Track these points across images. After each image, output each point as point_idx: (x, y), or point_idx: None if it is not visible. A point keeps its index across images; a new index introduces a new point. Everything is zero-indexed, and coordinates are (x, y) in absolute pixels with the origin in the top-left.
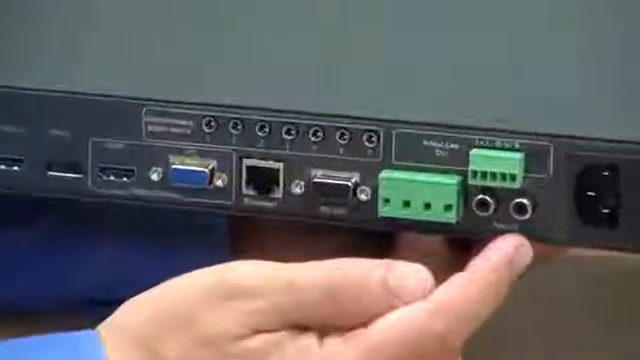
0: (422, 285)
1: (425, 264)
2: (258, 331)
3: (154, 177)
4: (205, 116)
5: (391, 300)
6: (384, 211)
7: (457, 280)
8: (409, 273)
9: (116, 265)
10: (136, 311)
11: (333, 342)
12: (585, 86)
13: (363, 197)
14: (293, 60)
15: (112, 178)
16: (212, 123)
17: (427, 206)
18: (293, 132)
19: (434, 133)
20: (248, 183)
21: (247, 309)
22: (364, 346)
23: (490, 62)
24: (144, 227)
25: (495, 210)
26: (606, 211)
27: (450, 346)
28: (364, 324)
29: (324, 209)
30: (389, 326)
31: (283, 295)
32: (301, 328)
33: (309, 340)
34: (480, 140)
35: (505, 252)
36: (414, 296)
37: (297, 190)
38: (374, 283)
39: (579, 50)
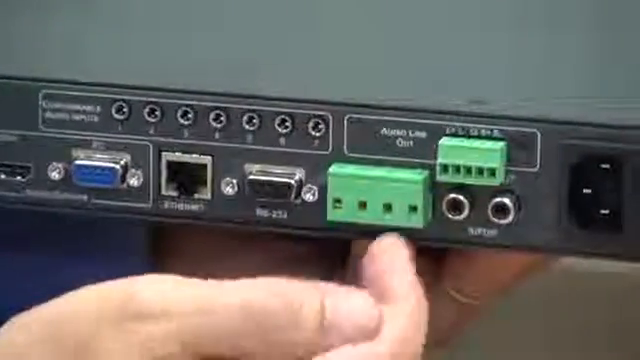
0: (365, 324)
1: None
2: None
3: (54, 175)
4: (115, 100)
5: (326, 338)
6: (334, 214)
7: (402, 314)
8: (352, 304)
9: (8, 278)
10: (26, 336)
11: None
12: (580, 60)
13: (309, 198)
14: (222, 36)
15: (3, 177)
16: (124, 109)
17: (387, 208)
18: (223, 119)
19: (395, 119)
20: (169, 182)
21: (148, 333)
22: None
23: (462, 34)
24: (42, 231)
25: (470, 212)
26: (606, 212)
27: None
28: None
29: (261, 212)
30: None
31: (193, 317)
32: None
33: None
34: (451, 127)
35: (401, 257)
36: (354, 336)
37: (228, 190)
38: (306, 314)
39: (571, 16)
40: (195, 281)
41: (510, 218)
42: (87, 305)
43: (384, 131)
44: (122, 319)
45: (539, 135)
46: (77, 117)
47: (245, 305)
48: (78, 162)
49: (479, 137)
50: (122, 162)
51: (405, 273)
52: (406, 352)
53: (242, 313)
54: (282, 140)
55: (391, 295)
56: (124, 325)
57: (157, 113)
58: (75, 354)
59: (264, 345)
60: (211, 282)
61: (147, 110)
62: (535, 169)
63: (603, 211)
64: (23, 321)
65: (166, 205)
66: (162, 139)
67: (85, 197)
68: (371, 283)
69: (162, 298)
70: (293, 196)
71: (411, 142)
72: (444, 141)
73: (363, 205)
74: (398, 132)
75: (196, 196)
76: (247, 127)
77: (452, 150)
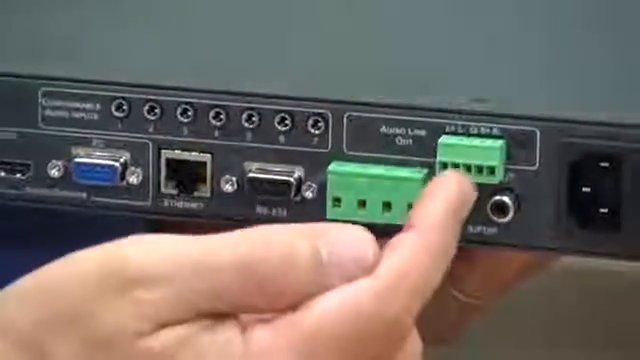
0: (363, 256)
1: None
2: (163, 325)
3: (54, 173)
4: (115, 98)
5: (325, 278)
6: (334, 212)
7: (404, 246)
8: (346, 241)
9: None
10: (17, 307)
11: (260, 335)
12: (580, 59)
13: (308, 195)
14: (222, 34)
15: (3, 174)
16: (123, 107)
17: (387, 206)
18: (222, 117)
19: (394, 117)
20: (168, 180)
21: (147, 299)
22: (299, 336)
23: (462, 32)
24: (36, 224)
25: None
26: (605, 211)
27: (404, 325)
28: (294, 308)
29: (261, 210)
30: (330, 311)
31: (191, 279)
32: (217, 317)
33: (228, 333)
34: (450, 125)
35: (448, 198)
36: (353, 271)
37: (228, 187)
38: (302, 256)
39: (571, 16)
40: (187, 238)
41: (509, 216)
42: (84, 270)
43: (383, 129)
44: (123, 286)
45: (538, 133)
46: (77, 115)
47: (238, 261)
48: (78, 160)
49: (478, 135)
50: (122, 160)
51: (429, 202)
52: (409, 286)
53: (238, 270)
54: (281, 138)
55: (410, 225)
56: (126, 293)
57: (157, 111)
58: (73, 319)
59: (264, 297)
60: (204, 239)
61: (147, 108)
62: (534, 167)
63: (602, 210)
64: (17, 288)
65: (165, 203)
66: (162, 137)
67: (85, 195)
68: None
69: (160, 262)
70: (292, 194)
71: (410, 140)
72: (443, 139)
73: (362, 203)
74: (397, 130)
75: (195, 194)
76: (246, 125)
77: (451, 148)
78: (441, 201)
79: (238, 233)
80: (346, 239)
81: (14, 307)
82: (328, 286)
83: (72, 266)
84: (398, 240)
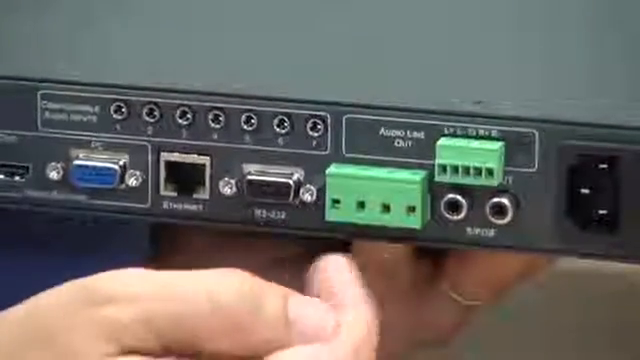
0: (326, 324)
1: (387, 279)
2: (129, 350)
3: (53, 176)
4: (114, 100)
5: (286, 336)
6: (333, 215)
7: (359, 319)
8: (313, 306)
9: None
10: (4, 327)
11: None
12: (578, 61)
13: (307, 198)
14: (221, 36)
15: (2, 177)
16: (122, 109)
17: (385, 208)
18: (221, 119)
19: (393, 119)
20: (167, 182)
21: (114, 318)
22: None
23: (461, 34)
24: (37, 227)
25: (468, 213)
26: (604, 213)
27: None
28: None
29: (260, 213)
30: None
31: (158, 302)
32: (180, 357)
33: None
34: (449, 127)
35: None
36: (313, 337)
37: (227, 190)
38: (269, 311)
39: (570, 16)
40: (160, 272)
41: (508, 218)
42: (53, 299)
43: (382, 131)
44: (85, 306)
45: (537, 135)
46: (76, 117)
47: (211, 296)
48: (77, 162)
49: (477, 137)
50: (121, 162)
51: (355, 285)
52: (360, 357)
53: (208, 304)
54: (280, 140)
55: (344, 305)
56: (87, 312)
57: (156, 113)
58: (46, 348)
59: (227, 338)
60: (177, 272)
61: (146, 110)
62: (533, 169)
63: (601, 211)
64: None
65: (165, 205)
66: (161, 139)
67: (84, 197)
68: (322, 294)
69: (125, 283)
70: (291, 196)
71: (409, 142)
72: (442, 141)
73: (361, 205)
74: (396, 132)
75: (194, 196)
76: (245, 127)
77: (450, 150)
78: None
79: (218, 271)
80: (312, 309)
81: (4, 327)
82: (287, 343)
83: (55, 289)
84: (348, 299)
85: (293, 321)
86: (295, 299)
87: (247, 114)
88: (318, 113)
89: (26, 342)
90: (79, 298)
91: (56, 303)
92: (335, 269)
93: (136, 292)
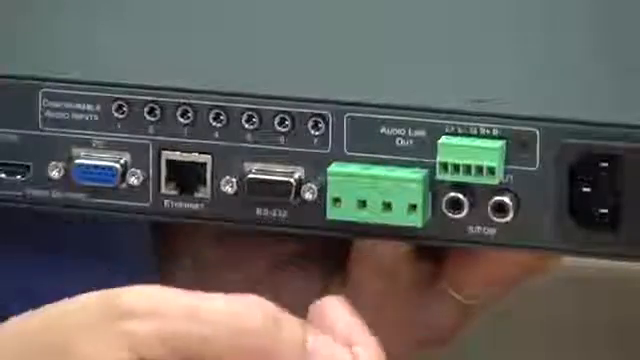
0: (341, 357)
1: (388, 278)
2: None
3: (54, 174)
4: (115, 99)
5: None
6: (334, 213)
7: (372, 351)
8: (326, 339)
9: (12, 277)
10: (17, 338)
11: None
12: (580, 59)
13: (308, 196)
14: (222, 35)
15: (3, 176)
16: (124, 108)
17: (387, 207)
18: (222, 118)
19: (394, 118)
20: (168, 181)
21: (130, 329)
22: None
23: (462, 33)
24: (43, 231)
25: (469, 211)
26: (605, 211)
27: None
28: None
29: (261, 212)
30: None
31: (179, 321)
32: None
33: None
34: (450, 125)
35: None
36: None
37: (228, 189)
38: (292, 335)
39: (571, 16)
40: (182, 290)
41: (509, 217)
42: (72, 311)
43: (384, 130)
44: (104, 319)
45: (538, 134)
46: (77, 116)
47: (232, 320)
48: (78, 161)
49: (478, 136)
50: (122, 161)
51: (357, 323)
52: None
53: (228, 327)
54: (282, 139)
55: (355, 342)
56: (107, 325)
57: (157, 112)
58: (63, 358)
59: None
60: (200, 292)
61: (147, 109)
62: (534, 168)
63: (602, 210)
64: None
65: (166, 204)
66: (162, 138)
67: (85, 196)
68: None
69: (148, 298)
70: (293, 195)
71: (411, 141)
72: (443, 140)
73: (363, 204)
74: (398, 131)
75: (196, 195)
76: (247, 126)
77: (451, 149)
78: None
79: (242, 296)
80: (330, 345)
81: (11, 336)
82: None
83: (66, 301)
84: (356, 336)
85: (312, 351)
86: (313, 330)
87: (248, 113)
88: (319, 112)
89: (42, 353)
90: (102, 311)
91: (71, 315)
92: (333, 312)
93: (155, 309)
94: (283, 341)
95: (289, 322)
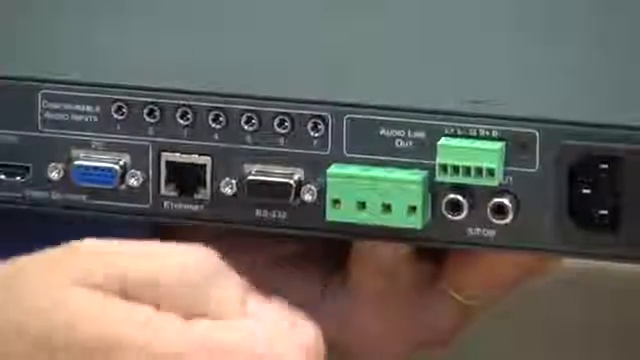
0: (280, 319)
1: (388, 279)
2: (95, 286)
3: (53, 176)
4: (114, 100)
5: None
6: (334, 215)
7: (311, 324)
8: (268, 304)
9: None
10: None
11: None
12: (579, 60)
13: (308, 198)
14: (222, 36)
15: (2, 177)
16: (123, 109)
17: (386, 208)
18: (222, 119)
19: (394, 119)
20: (168, 182)
21: (76, 260)
22: None
23: (462, 34)
24: (43, 231)
25: (469, 213)
26: (605, 212)
27: None
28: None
29: (261, 213)
30: None
31: (130, 257)
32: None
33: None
34: (450, 127)
35: None
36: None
37: (227, 190)
38: (228, 300)
39: (571, 16)
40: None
41: (509, 218)
42: (31, 257)
43: (383, 131)
44: (56, 255)
45: (538, 135)
46: (76, 117)
47: (178, 268)
48: (77, 162)
49: (478, 137)
50: (121, 162)
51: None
52: None
53: (174, 273)
54: (281, 140)
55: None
56: (57, 260)
57: (156, 113)
58: (72, 328)
59: (184, 300)
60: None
61: (146, 110)
62: (534, 169)
63: (602, 211)
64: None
65: (165, 205)
66: (161, 139)
67: (84, 197)
68: None
69: (102, 244)
70: (292, 196)
71: (410, 142)
72: (443, 141)
73: (362, 205)
74: (397, 132)
75: (195, 196)
76: (246, 127)
77: (451, 150)
78: None
79: (188, 249)
80: (271, 306)
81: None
82: None
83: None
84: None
85: (251, 313)
86: (257, 296)
87: (248, 114)
88: (319, 113)
89: (49, 339)
90: (58, 251)
91: (35, 257)
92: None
93: (110, 247)
94: (221, 300)
95: (233, 279)
